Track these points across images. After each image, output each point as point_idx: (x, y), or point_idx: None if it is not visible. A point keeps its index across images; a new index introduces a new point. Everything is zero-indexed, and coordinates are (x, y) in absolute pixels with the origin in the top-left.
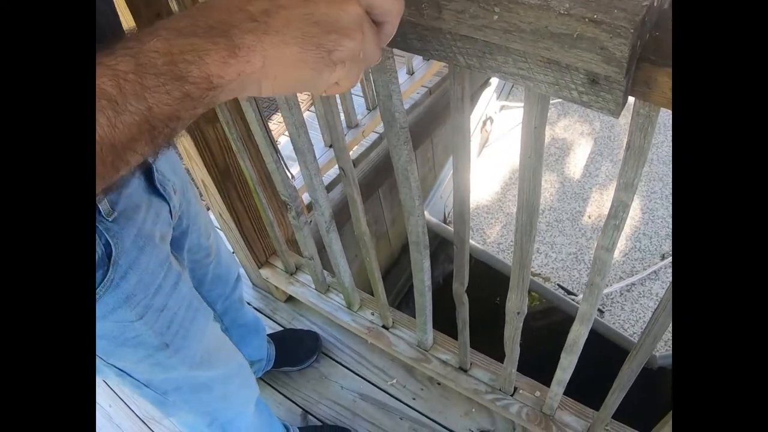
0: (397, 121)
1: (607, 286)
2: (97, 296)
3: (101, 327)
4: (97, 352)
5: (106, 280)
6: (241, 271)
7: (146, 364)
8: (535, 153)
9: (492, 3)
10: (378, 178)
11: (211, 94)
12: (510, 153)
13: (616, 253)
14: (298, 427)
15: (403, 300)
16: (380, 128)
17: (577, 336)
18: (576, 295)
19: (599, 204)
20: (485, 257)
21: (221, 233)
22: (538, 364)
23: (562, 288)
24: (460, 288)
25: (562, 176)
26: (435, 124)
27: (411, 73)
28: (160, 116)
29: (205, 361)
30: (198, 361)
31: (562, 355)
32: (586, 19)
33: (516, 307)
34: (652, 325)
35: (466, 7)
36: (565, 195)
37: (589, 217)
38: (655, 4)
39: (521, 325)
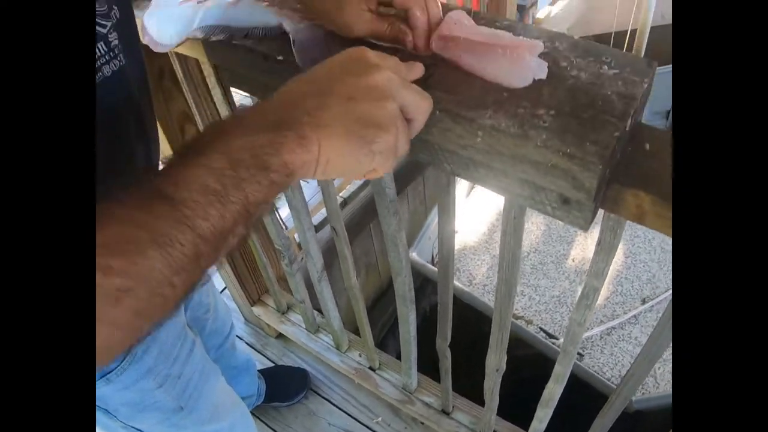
0: (387, 195)
1: (588, 329)
2: (121, 369)
3: (125, 396)
4: (120, 417)
5: (129, 354)
6: (233, 305)
7: (163, 425)
8: (515, 239)
9: (476, 128)
10: (367, 216)
11: (287, 180)
12: (498, 195)
13: (599, 298)
14: None
15: (389, 331)
16: None
17: (552, 393)
18: (557, 339)
19: (583, 247)
20: (469, 299)
21: (216, 274)
22: (520, 405)
23: (544, 331)
24: (443, 343)
25: (548, 219)
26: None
27: None
28: (254, 202)
29: (214, 417)
30: (208, 418)
31: (538, 408)
32: (560, 153)
33: (495, 364)
34: (632, 374)
35: (452, 127)
36: (550, 238)
37: (573, 261)
38: (628, 129)
39: (500, 379)
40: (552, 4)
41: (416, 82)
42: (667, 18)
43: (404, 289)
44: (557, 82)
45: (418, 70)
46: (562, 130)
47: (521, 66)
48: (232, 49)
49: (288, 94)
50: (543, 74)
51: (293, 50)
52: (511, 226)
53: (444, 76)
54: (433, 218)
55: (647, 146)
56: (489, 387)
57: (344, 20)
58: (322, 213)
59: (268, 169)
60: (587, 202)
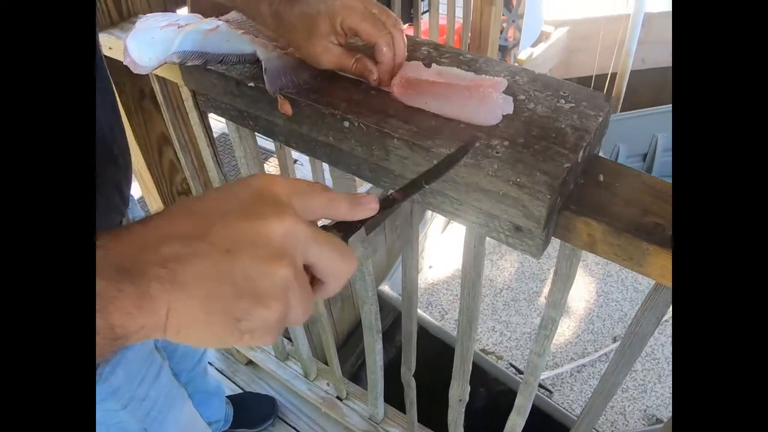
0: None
1: (558, 366)
2: None
3: None
4: None
5: (96, 374)
6: None
7: None
8: (475, 270)
9: (431, 156)
10: None
11: (115, 345)
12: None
13: (569, 334)
14: None
15: (364, 362)
16: None
17: (514, 425)
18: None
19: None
20: (441, 333)
21: None
22: None
23: (514, 367)
24: (407, 373)
25: (522, 256)
26: None
27: None
28: None
29: None
30: None
31: None
32: (511, 182)
33: (458, 395)
34: (587, 410)
35: (410, 155)
36: (523, 275)
37: (545, 298)
38: (580, 160)
39: (463, 410)
40: (534, 45)
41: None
42: (648, 62)
43: (370, 318)
44: (514, 115)
45: (368, 208)
46: (515, 160)
47: (489, 104)
48: (206, 74)
49: (152, 227)
50: (510, 109)
51: (264, 77)
52: (470, 255)
53: (405, 106)
54: None
55: (601, 177)
56: (453, 418)
57: (313, 52)
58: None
59: None
60: (537, 231)
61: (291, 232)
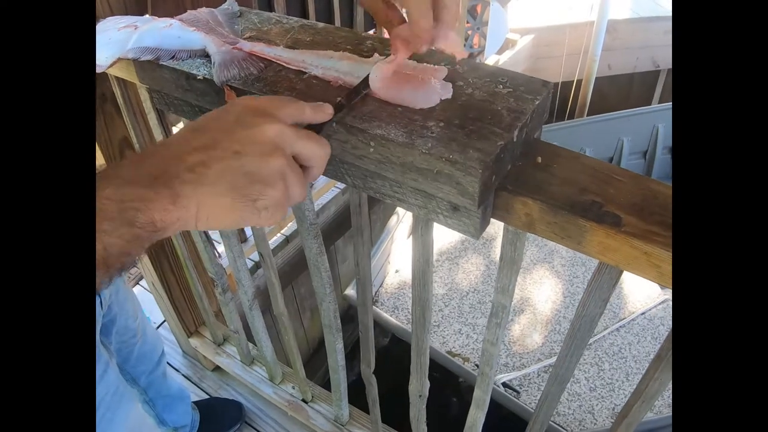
0: (307, 218)
1: (525, 367)
2: None
3: None
4: None
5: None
6: (171, 338)
7: None
8: (423, 257)
9: (368, 138)
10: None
11: (155, 236)
12: (438, 234)
13: (536, 336)
14: None
15: None
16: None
17: (474, 419)
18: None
19: (522, 287)
20: (407, 336)
21: (153, 300)
22: None
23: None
24: (366, 370)
25: (488, 259)
26: (372, 201)
27: None
28: (114, 254)
29: None
30: None
31: None
32: (444, 159)
33: (417, 390)
34: (546, 394)
35: (348, 139)
36: (489, 278)
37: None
38: (515, 140)
39: (424, 406)
40: (499, 53)
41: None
42: (614, 68)
43: (330, 317)
44: (452, 99)
45: (325, 112)
46: (449, 139)
47: (427, 90)
48: (158, 70)
49: (173, 145)
50: (448, 94)
51: (213, 69)
52: (419, 243)
53: (344, 93)
54: (374, 254)
55: (539, 159)
56: (414, 414)
57: None
58: (272, 242)
59: (132, 224)
60: (473, 208)
61: (280, 132)
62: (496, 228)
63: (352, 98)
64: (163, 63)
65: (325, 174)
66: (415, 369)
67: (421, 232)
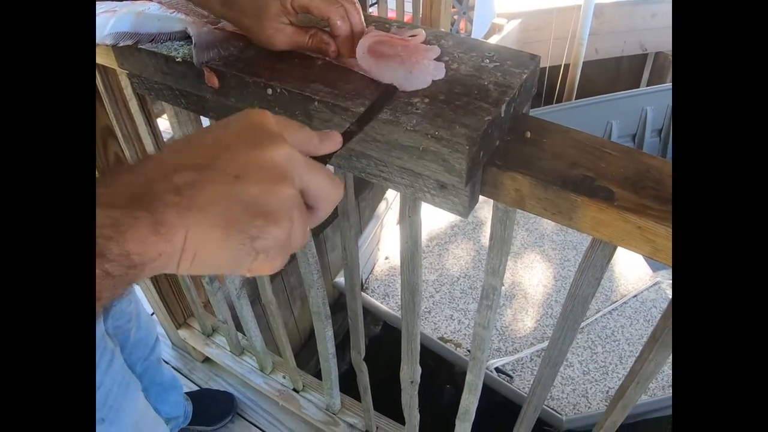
0: None
1: (518, 351)
2: None
3: None
4: None
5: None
6: (161, 330)
7: None
8: (411, 239)
9: (351, 116)
10: None
11: (131, 273)
12: (427, 221)
13: (528, 321)
14: None
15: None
16: None
17: (468, 404)
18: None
19: (513, 272)
20: (398, 323)
21: (141, 293)
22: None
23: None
24: (357, 357)
25: (478, 245)
26: (361, 188)
27: None
28: None
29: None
30: None
31: (457, 422)
32: (429, 136)
33: (408, 376)
34: (539, 377)
35: (331, 117)
36: (480, 263)
37: (503, 285)
38: (503, 115)
39: (416, 392)
40: (486, 38)
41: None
42: (601, 53)
43: (318, 303)
44: None
45: (333, 141)
46: (434, 115)
47: (420, 71)
48: (138, 54)
49: (160, 160)
50: (441, 74)
51: (193, 52)
52: (406, 225)
53: (326, 71)
54: (363, 241)
55: (528, 134)
56: (406, 401)
57: (266, 35)
58: None
59: (102, 256)
60: (460, 186)
61: (290, 157)
62: (486, 212)
63: (364, 124)
64: (143, 47)
65: None
66: (406, 354)
67: (408, 213)
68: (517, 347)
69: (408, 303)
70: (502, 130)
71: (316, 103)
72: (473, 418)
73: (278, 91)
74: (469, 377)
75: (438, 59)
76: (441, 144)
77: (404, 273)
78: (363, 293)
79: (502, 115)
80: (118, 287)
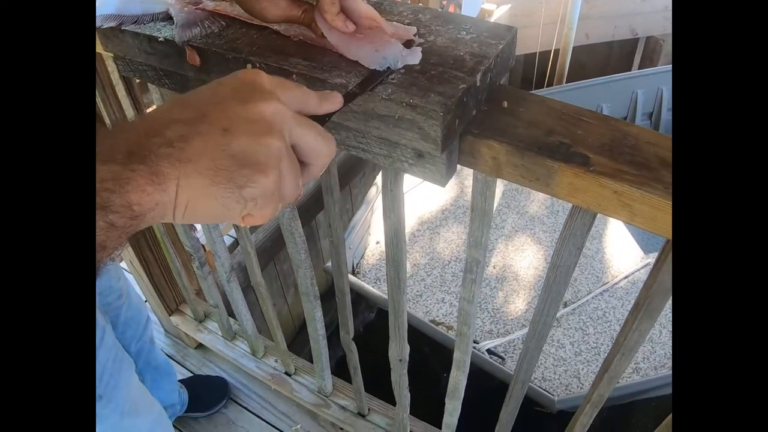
0: None
1: (509, 333)
2: None
3: None
4: None
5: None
6: (153, 317)
7: None
8: (395, 213)
9: (329, 88)
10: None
11: (132, 224)
12: (418, 205)
13: (519, 303)
14: None
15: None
16: None
17: (456, 382)
18: (477, 342)
19: (504, 255)
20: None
21: (132, 280)
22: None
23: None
24: (346, 336)
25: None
26: (352, 174)
27: None
28: None
29: (133, 410)
30: (127, 410)
31: (447, 400)
32: (404, 104)
33: (397, 354)
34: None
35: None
36: None
37: (494, 268)
38: (479, 84)
39: (405, 371)
40: None
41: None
42: (592, 37)
43: (306, 284)
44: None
45: (334, 101)
46: (409, 84)
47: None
48: (121, 36)
49: (153, 118)
50: (416, 60)
51: (174, 30)
52: (389, 198)
53: (305, 47)
54: (354, 225)
55: (505, 104)
56: (396, 379)
57: (259, 7)
58: None
59: (106, 208)
60: (437, 154)
61: (279, 111)
62: None
63: (367, 86)
64: (126, 29)
65: None
66: (394, 332)
67: (390, 186)
68: (508, 329)
69: (393, 279)
70: (478, 100)
71: (294, 75)
72: (462, 396)
73: (257, 65)
74: (456, 354)
75: (415, 30)
76: (416, 111)
77: (389, 248)
78: (354, 278)
79: (478, 84)
80: (123, 236)
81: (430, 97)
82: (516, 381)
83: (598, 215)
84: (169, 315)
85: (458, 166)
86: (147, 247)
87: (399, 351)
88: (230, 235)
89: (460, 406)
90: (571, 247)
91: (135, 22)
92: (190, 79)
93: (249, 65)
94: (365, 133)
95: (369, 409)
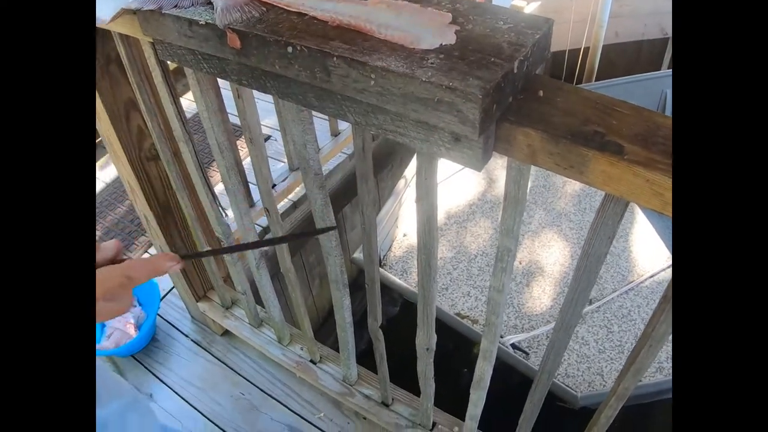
0: (312, 168)
1: (534, 329)
2: None
3: None
4: None
5: None
6: (180, 304)
7: None
8: (428, 200)
9: (369, 70)
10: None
11: None
12: (446, 199)
13: (545, 298)
14: None
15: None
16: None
17: (482, 372)
18: (502, 337)
19: (531, 250)
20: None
21: None
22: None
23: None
24: (374, 324)
25: (496, 223)
26: (380, 167)
27: (336, 134)
28: None
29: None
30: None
31: (471, 390)
32: (444, 86)
33: (424, 343)
34: (553, 342)
35: (349, 73)
36: (497, 241)
37: (520, 263)
38: (516, 71)
39: (432, 360)
40: None
41: None
42: (621, 36)
43: (336, 271)
44: None
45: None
46: (449, 68)
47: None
48: (161, 19)
49: None
50: (452, 40)
51: (216, 14)
52: (423, 188)
53: (345, 31)
54: (381, 219)
55: (541, 93)
56: (422, 369)
57: None
58: (279, 207)
59: None
60: (474, 137)
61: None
62: (503, 191)
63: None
64: (166, 12)
65: (326, 113)
66: (422, 320)
67: (425, 174)
68: (533, 324)
69: (424, 267)
70: (515, 87)
71: (335, 59)
72: (487, 386)
73: (298, 48)
74: (483, 343)
75: (452, 22)
76: (455, 94)
77: (421, 236)
78: (381, 269)
79: (515, 71)
80: None
81: (469, 81)
82: (543, 371)
83: (626, 211)
84: (197, 301)
85: (491, 156)
86: (177, 235)
87: (426, 340)
88: (259, 224)
89: (484, 397)
90: (602, 236)
91: (175, 6)
92: (229, 62)
93: (290, 48)
94: (403, 117)
95: (393, 399)
